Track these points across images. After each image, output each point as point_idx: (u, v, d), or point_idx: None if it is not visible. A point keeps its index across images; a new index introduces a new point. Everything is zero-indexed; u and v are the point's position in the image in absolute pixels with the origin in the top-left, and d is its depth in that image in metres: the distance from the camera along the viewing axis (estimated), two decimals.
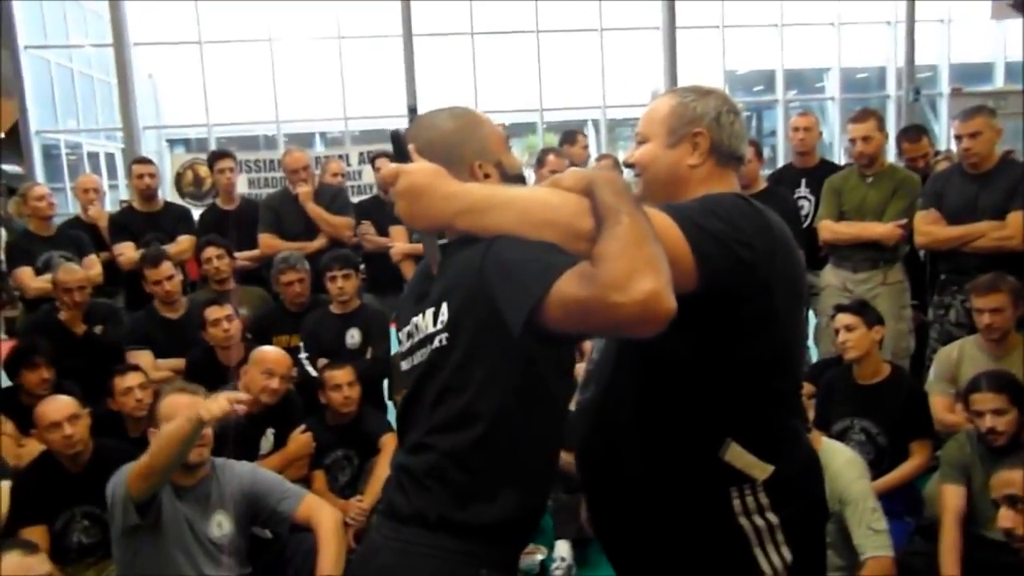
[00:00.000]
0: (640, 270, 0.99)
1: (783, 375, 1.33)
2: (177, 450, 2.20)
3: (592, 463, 1.44)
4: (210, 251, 3.83)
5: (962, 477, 2.63)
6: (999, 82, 13.10)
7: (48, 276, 3.76)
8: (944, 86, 12.77)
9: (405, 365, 1.34)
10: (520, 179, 1.38)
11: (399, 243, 4.12)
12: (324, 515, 2.41)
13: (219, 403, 2.13)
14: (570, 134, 4.84)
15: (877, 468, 2.78)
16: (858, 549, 2.39)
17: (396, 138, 1.26)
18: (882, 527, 2.35)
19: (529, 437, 1.24)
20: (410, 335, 1.31)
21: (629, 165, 1.45)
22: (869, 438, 2.84)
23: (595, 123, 12.18)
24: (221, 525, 2.38)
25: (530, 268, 1.08)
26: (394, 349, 2.72)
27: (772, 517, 1.29)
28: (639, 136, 1.44)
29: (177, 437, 2.17)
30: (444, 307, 1.22)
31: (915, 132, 4.28)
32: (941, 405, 3.03)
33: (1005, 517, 1.85)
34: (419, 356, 1.28)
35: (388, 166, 1.24)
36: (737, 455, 1.27)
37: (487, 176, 1.29)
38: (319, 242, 4.09)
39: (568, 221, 1.10)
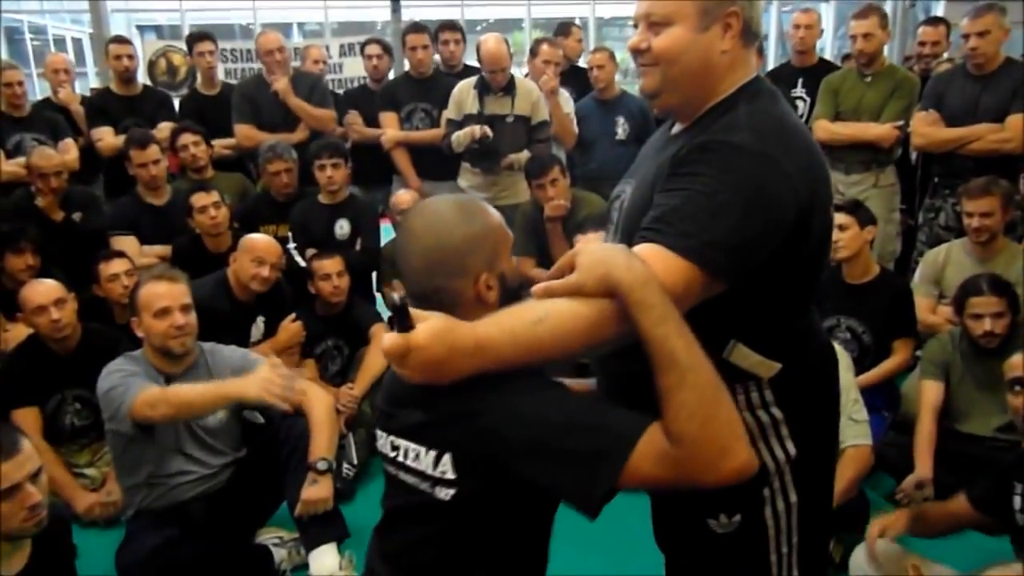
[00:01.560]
0: (727, 447, 0.99)
1: (805, 281, 1.28)
2: (203, 413, 2.25)
3: (599, 362, 1.43)
4: (186, 137, 3.69)
5: (942, 374, 2.71)
6: None
7: (20, 160, 3.63)
8: None
9: (390, 469, 1.23)
10: (515, 293, 1.22)
11: (390, 130, 4.01)
12: (316, 398, 2.40)
13: (258, 386, 2.10)
14: (564, 26, 4.67)
15: (860, 365, 2.84)
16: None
17: (400, 309, 1.04)
18: (863, 418, 2.41)
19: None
20: (401, 450, 1.19)
21: (642, 51, 1.23)
22: (854, 336, 2.89)
23: (583, 21, 11.78)
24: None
25: (583, 448, 1.02)
26: None
27: (776, 412, 1.27)
28: (657, 17, 1.20)
29: (209, 404, 2.20)
30: (447, 460, 1.10)
31: (938, 20, 4.16)
32: (924, 306, 3.09)
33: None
34: (407, 478, 1.18)
35: (391, 339, 1.04)
36: (743, 356, 1.24)
37: (489, 289, 1.15)
38: (300, 134, 3.97)
39: (601, 340, 1.08)
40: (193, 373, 2.35)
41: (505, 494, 1.09)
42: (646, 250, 1.10)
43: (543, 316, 1.06)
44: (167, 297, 2.27)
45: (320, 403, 2.40)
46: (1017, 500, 1.94)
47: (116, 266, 3.07)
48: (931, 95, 3.41)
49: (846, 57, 4.24)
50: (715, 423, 0.99)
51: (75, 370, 2.75)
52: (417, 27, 4.16)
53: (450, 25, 4.28)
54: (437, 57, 4.20)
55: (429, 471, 1.12)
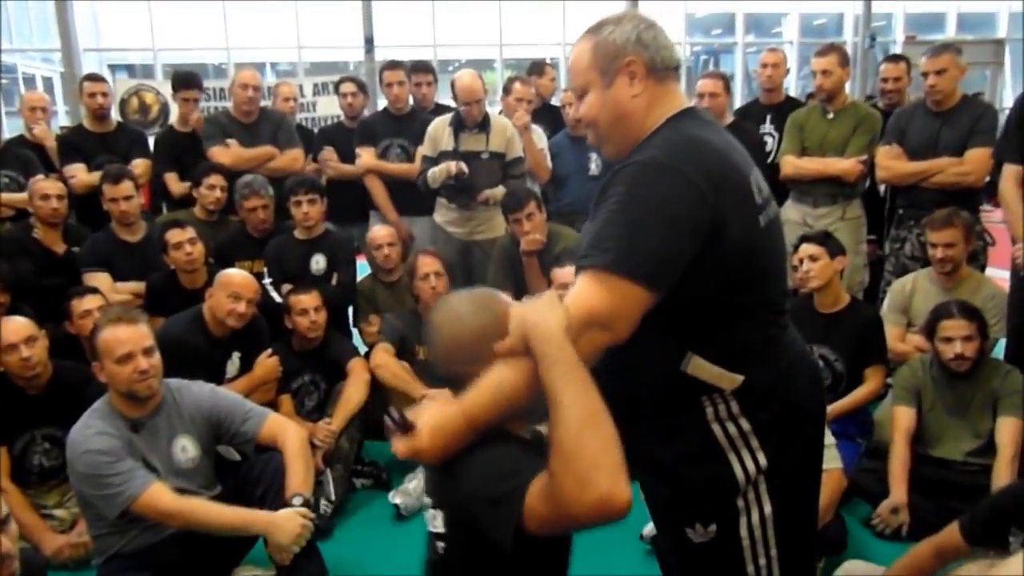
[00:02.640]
0: (587, 479, 1.02)
1: (746, 290, 1.31)
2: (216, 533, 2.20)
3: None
4: (216, 179, 3.66)
5: (913, 400, 2.76)
6: (951, 32, 13.30)
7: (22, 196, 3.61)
8: (898, 34, 12.91)
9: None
10: None
11: (365, 156, 4.03)
12: (289, 433, 2.36)
13: (290, 539, 2.13)
14: (538, 65, 4.76)
15: (834, 393, 2.88)
16: None
17: (398, 421, 1.22)
18: (831, 441, 2.44)
19: None
20: (430, 515, 1.34)
21: (579, 119, 1.45)
22: (827, 364, 2.94)
23: (554, 61, 12.01)
24: (185, 449, 2.33)
25: (501, 492, 1.12)
26: None
27: (744, 423, 1.31)
28: (577, 91, 1.41)
29: (231, 530, 2.18)
30: (440, 516, 1.26)
31: (898, 57, 4.26)
32: (894, 335, 3.15)
33: None
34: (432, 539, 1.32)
35: (401, 448, 1.22)
36: (700, 367, 1.29)
37: None
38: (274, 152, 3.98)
39: (539, 392, 1.16)
40: (161, 414, 2.30)
41: (486, 548, 1.16)
42: (581, 280, 1.21)
43: (500, 381, 1.18)
44: (129, 342, 2.18)
45: (294, 437, 2.37)
46: (1014, 544, 1.94)
47: (89, 302, 3.04)
48: (893, 130, 3.53)
49: (811, 95, 4.37)
50: (578, 458, 1.04)
51: (45, 409, 2.70)
52: (394, 64, 4.22)
53: (422, 67, 4.34)
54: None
55: (435, 528, 1.27)
